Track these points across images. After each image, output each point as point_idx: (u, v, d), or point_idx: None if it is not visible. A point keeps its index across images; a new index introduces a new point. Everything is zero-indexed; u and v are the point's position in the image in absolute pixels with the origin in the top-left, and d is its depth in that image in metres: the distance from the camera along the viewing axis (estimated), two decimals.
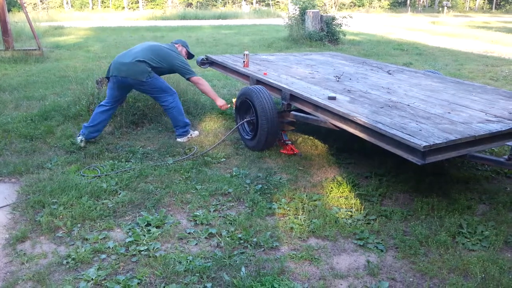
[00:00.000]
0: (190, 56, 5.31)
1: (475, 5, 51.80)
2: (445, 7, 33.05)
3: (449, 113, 3.50)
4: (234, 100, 4.89)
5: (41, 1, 39.62)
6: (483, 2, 52.66)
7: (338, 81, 4.68)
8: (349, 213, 3.32)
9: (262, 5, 44.00)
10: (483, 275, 2.58)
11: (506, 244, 2.93)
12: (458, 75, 8.74)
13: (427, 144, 2.75)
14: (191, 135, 4.94)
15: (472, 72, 9.37)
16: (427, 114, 3.47)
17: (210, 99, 6.60)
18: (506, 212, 3.32)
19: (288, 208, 3.36)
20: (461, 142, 2.94)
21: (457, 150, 2.98)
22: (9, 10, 11.62)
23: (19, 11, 24.83)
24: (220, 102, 4.98)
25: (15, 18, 15.71)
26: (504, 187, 3.83)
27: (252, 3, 45.07)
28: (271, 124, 4.28)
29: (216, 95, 5.05)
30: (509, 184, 3.90)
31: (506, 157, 3.54)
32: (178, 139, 4.86)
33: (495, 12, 46.16)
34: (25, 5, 11.64)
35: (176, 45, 5.08)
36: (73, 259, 2.71)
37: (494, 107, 3.72)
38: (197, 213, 3.27)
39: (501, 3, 51.12)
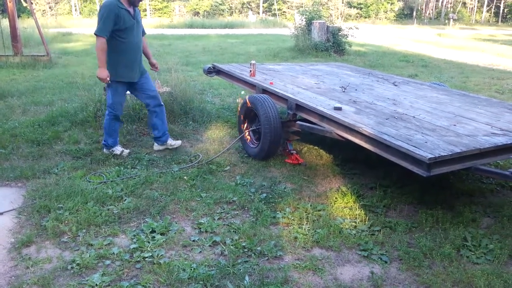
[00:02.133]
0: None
1: (481, 18, 51.87)
2: (451, 20, 33.06)
3: (454, 125, 3.51)
4: (239, 101, 4.88)
5: (50, 8, 40.09)
6: (489, 15, 52.72)
7: (344, 91, 4.71)
8: (354, 223, 3.32)
9: (269, 15, 44.26)
10: None
11: (510, 258, 2.91)
12: (464, 87, 8.74)
13: (433, 156, 2.75)
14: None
15: (478, 85, 9.37)
16: (432, 126, 3.47)
17: (217, 107, 6.66)
18: (510, 225, 3.30)
19: (292, 218, 3.37)
20: (466, 155, 2.94)
21: (462, 162, 2.99)
22: (18, 16, 11.75)
23: (28, 17, 25.11)
24: (100, 72, 4.15)
25: (24, 24, 15.90)
26: (509, 200, 3.82)
27: (258, 13, 45.36)
28: (274, 132, 4.30)
29: (103, 63, 4.14)
30: None
31: (511, 170, 3.53)
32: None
33: (501, 25, 46.18)
34: (34, 11, 11.78)
35: None
36: (78, 264, 2.72)
37: (500, 120, 3.73)
38: (202, 221, 3.28)
39: (507, 16, 51.17)
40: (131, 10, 4.24)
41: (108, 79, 4.21)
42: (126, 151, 4.64)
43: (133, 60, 4.36)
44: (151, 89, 4.62)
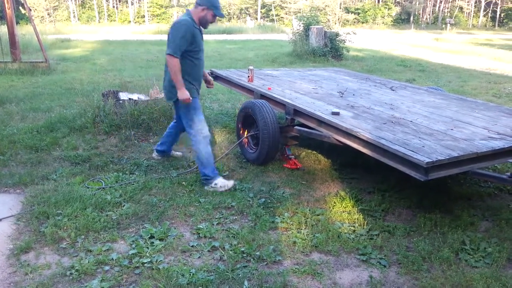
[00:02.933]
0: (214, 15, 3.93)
1: (478, 22, 52.09)
2: (448, 24, 33.22)
3: (452, 129, 3.53)
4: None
5: (48, 14, 40.17)
6: (486, 20, 52.99)
7: (341, 96, 4.72)
8: (352, 228, 3.33)
9: (267, 21, 44.40)
10: None
11: (509, 261, 2.92)
12: (461, 92, 8.78)
13: (430, 160, 2.77)
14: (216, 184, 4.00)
15: (475, 89, 9.41)
16: (430, 130, 3.49)
17: (215, 113, 6.67)
18: (509, 229, 3.31)
19: (291, 222, 3.37)
20: (464, 159, 2.96)
21: (459, 166, 3.00)
22: (17, 23, 11.76)
23: (26, 24, 25.17)
24: (181, 94, 3.84)
25: (22, 31, 15.89)
26: (507, 204, 3.83)
27: (256, 19, 45.51)
28: (273, 137, 4.31)
29: (182, 83, 3.84)
30: (511, 201, 3.91)
31: (508, 174, 3.55)
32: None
33: (498, 29, 46.39)
34: (32, 18, 11.81)
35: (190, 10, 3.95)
36: (77, 270, 2.72)
37: (497, 124, 3.75)
38: (201, 226, 3.29)
39: (504, 21, 51.41)
40: (201, 29, 4.00)
41: (191, 98, 3.88)
42: (230, 182, 4.00)
43: (200, 78, 4.11)
44: None
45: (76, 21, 42.47)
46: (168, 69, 3.91)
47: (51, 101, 7.32)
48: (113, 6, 47.99)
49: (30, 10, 11.65)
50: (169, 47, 3.79)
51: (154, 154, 4.75)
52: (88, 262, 2.80)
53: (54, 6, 41.55)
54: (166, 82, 4.05)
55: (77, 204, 3.52)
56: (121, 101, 5.68)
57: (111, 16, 46.84)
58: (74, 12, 43.80)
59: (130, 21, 44.36)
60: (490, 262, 2.89)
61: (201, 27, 3.98)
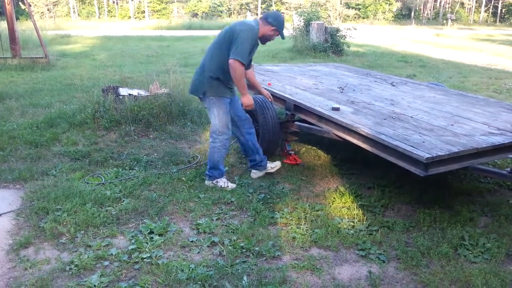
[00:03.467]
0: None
1: (479, 18, 51.91)
2: (449, 20, 33.12)
3: (452, 125, 3.52)
4: None
5: (48, 10, 40.09)
6: (487, 15, 52.80)
7: (341, 92, 4.71)
8: (352, 223, 3.33)
9: None
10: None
11: (507, 257, 2.92)
12: (462, 87, 8.75)
13: (430, 156, 2.76)
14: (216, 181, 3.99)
15: (476, 85, 9.39)
16: (430, 126, 3.48)
17: None
18: (508, 224, 3.31)
19: (290, 218, 3.37)
20: (464, 154, 2.95)
21: (459, 162, 3.00)
22: (17, 19, 11.74)
23: (26, 20, 25.08)
24: (247, 99, 3.89)
25: (22, 27, 15.83)
26: (507, 200, 3.83)
27: (257, 14, 45.38)
28: (273, 133, 4.31)
29: (246, 89, 3.86)
30: (511, 197, 3.90)
31: (508, 169, 3.55)
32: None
33: (499, 25, 46.22)
34: (32, 13, 11.78)
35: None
36: (76, 265, 2.72)
37: (497, 119, 3.74)
38: (200, 222, 3.29)
39: (505, 16, 51.25)
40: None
41: (253, 104, 3.94)
42: (232, 185, 3.97)
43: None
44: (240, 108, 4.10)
45: (76, 16, 42.38)
46: (214, 70, 3.80)
47: (51, 96, 7.31)
48: (113, 2, 47.87)
49: (30, 5, 11.62)
50: (238, 53, 3.61)
51: (254, 174, 4.21)
52: (88, 257, 2.80)
53: (54, 2, 41.46)
54: (198, 76, 3.92)
55: (77, 200, 3.53)
56: (121, 97, 5.67)
57: (111, 11, 46.73)
58: (74, 8, 43.70)
59: (130, 17, 44.25)
60: (489, 257, 2.89)
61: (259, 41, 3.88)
